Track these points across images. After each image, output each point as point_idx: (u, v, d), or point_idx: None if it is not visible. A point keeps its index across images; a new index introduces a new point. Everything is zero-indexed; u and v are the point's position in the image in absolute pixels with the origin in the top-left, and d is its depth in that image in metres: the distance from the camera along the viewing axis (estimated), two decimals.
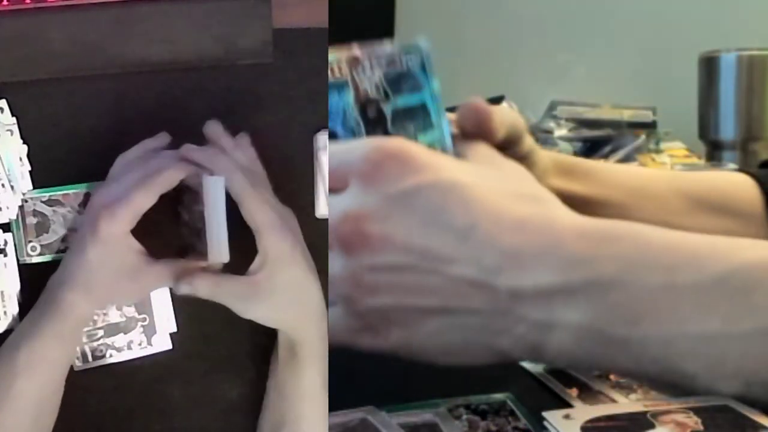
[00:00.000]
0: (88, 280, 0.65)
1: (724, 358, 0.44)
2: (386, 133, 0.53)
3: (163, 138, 0.71)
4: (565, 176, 0.64)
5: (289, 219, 0.68)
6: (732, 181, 0.71)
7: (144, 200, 0.65)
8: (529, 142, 0.59)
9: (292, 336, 0.68)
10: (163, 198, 0.66)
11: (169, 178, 0.66)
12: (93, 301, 0.66)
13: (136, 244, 0.66)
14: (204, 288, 0.66)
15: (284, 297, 0.67)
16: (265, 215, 0.65)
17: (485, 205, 0.46)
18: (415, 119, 0.53)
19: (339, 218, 0.47)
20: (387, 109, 0.52)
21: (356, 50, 0.53)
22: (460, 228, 0.46)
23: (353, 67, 0.52)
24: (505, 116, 0.55)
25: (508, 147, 0.56)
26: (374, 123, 0.53)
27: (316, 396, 0.68)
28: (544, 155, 0.62)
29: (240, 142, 0.70)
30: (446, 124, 0.54)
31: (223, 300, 0.67)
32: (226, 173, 0.65)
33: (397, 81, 0.53)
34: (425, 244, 0.46)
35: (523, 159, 0.58)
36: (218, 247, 0.65)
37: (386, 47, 0.53)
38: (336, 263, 0.48)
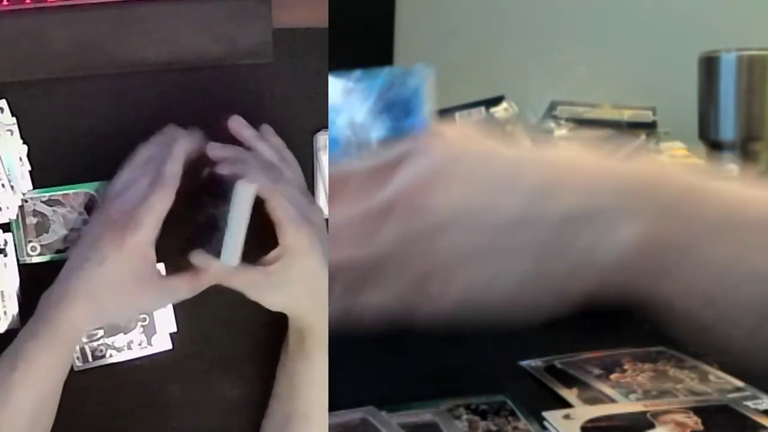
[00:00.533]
0: (100, 293, 0.65)
1: None
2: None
3: (158, 140, 0.70)
4: None
5: (310, 211, 0.69)
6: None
7: (163, 202, 0.65)
8: None
9: (301, 323, 0.69)
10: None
11: (174, 169, 0.66)
12: (99, 314, 0.66)
13: (153, 256, 0.66)
14: (218, 274, 0.67)
15: (298, 287, 0.68)
16: (285, 210, 0.66)
17: (525, 156, 0.50)
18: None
19: (403, 188, 0.49)
20: (374, 134, 0.54)
21: (351, 78, 0.54)
22: (503, 178, 0.48)
23: (348, 93, 0.54)
24: None
25: None
26: (366, 147, 0.54)
27: (326, 385, 0.69)
28: None
29: (264, 132, 0.71)
30: None
31: (236, 286, 0.68)
32: (249, 172, 0.66)
33: (389, 107, 0.54)
34: (471, 200, 0.48)
35: None
36: (234, 251, 0.65)
37: (380, 72, 0.54)
38: (392, 234, 0.49)
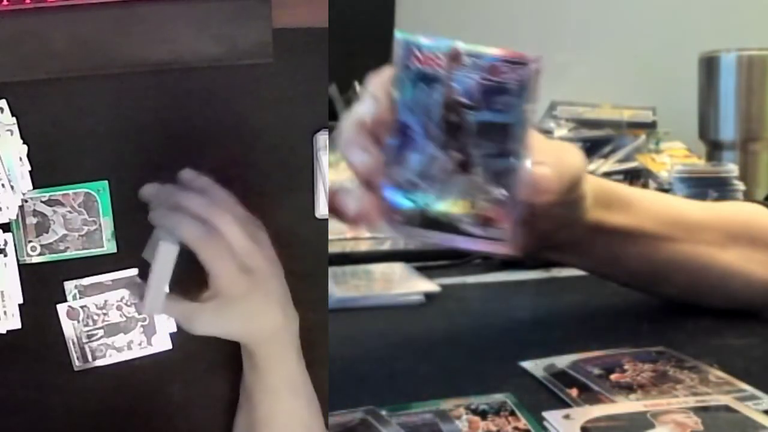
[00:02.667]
0: None
1: None
2: (460, 143, 0.49)
3: None
4: (606, 208, 0.65)
5: (251, 255, 0.65)
6: (753, 213, 0.77)
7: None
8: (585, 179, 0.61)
9: (247, 347, 0.69)
10: None
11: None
12: None
13: None
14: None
15: (233, 321, 0.66)
16: (217, 263, 0.63)
17: None
18: (493, 139, 0.49)
19: None
20: (470, 118, 0.49)
21: (460, 46, 0.48)
22: None
23: (453, 63, 0.48)
24: (565, 173, 0.55)
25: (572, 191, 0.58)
26: (453, 129, 0.49)
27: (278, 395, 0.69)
28: (589, 186, 0.63)
29: (187, 178, 0.67)
30: (524, 152, 0.49)
31: (168, 314, 0.68)
32: (179, 224, 0.63)
33: (491, 93, 0.48)
34: None
35: (580, 197, 0.61)
36: (154, 304, 0.64)
37: (492, 52, 0.48)
38: None
